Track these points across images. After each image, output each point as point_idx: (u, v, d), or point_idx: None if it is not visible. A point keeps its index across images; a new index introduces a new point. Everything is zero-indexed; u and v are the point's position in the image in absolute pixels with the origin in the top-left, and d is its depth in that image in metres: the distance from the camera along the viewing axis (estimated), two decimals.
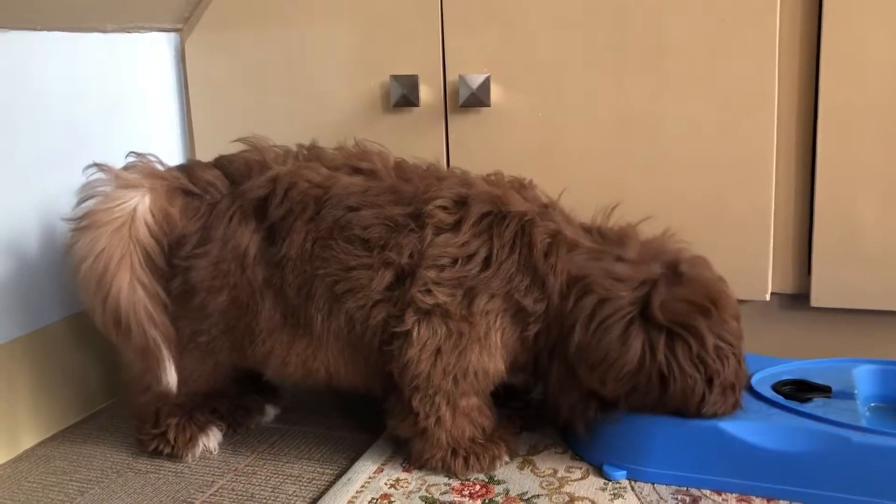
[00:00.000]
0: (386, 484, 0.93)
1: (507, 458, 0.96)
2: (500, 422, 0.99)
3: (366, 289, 0.92)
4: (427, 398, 0.92)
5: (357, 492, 0.92)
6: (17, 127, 1.07)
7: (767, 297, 1.10)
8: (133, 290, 0.90)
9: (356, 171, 0.98)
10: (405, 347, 0.91)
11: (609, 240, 0.96)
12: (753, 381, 0.97)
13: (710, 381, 0.88)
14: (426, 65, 1.17)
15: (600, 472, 0.93)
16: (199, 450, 1.02)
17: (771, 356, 1.04)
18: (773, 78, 1.04)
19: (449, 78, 1.16)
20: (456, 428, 0.94)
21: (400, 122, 1.20)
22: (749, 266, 1.09)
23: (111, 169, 0.95)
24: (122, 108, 1.24)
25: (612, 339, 0.88)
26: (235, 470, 1.00)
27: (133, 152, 1.00)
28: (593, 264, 0.92)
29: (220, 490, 0.95)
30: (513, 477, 0.94)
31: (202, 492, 0.95)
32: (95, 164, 0.96)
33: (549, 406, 0.98)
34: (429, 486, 0.93)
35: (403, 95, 1.17)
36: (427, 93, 1.18)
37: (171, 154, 1.32)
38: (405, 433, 0.96)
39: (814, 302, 1.09)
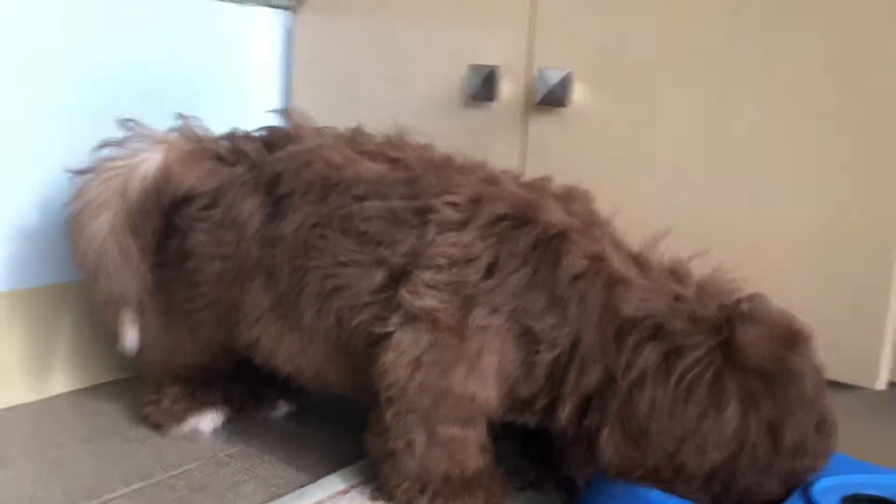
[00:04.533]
0: None
1: None
2: (491, 466, 0.83)
3: (354, 288, 0.81)
4: (400, 415, 0.79)
5: None
6: (102, 77, 1.09)
7: (881, 386, 0.83)
8: (109, 241, 0.86)
9: (386, 159, 0.88)
10: (383, 352, 0.78)
11: (657, 274, 0.78)
12: (818, 487, 0.72)
13: (819, 426, 0.72)
14: (510, 55, 1.04)
15: None
16: (186, 427, 0.97)
17: (866, 462, 0.78)
18: None
19: (532, 72, 1.02)
20: (429, 458, 0.79)
21: (476, 118, 1.07)
22: (857, 341, 0.83)
23: (136, 125, 0.93)
24: (224, 78, 1.24)
25: (702, 396, 0.70)
26: (212, 457, 0.93)
27: (180, 114, 0.97)
28: (654, 303, 0.75)
29: (183, 474, 0.88)
30: None
31: (164, 471, 0.88)
32: (122, 120, 0.93)
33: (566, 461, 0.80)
34: None
35: (480, 88, 1.05)
36: (509, 87, 1.04)
37: None
38: (375, 453, 0.83)
39: None
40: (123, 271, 0.87)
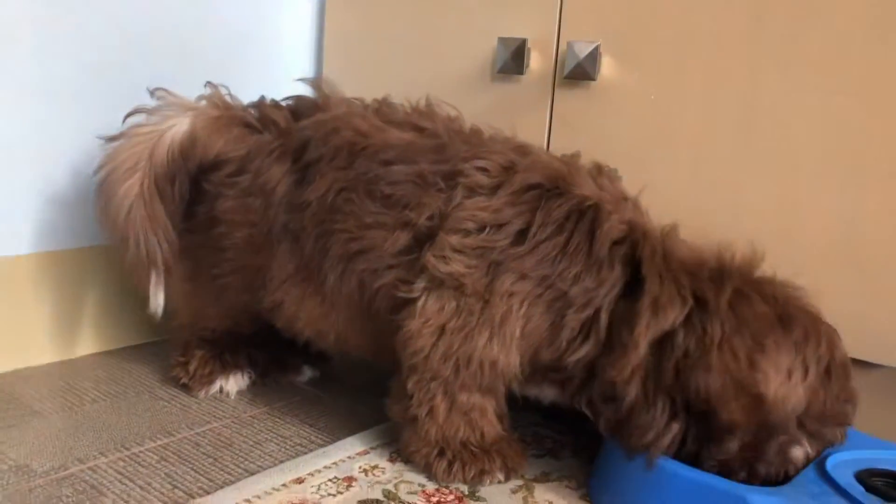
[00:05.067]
0: (359, 468, 0.83)
1: (500, 476, 0.81)
2: (509, 433, 0.84)
3: (378, 250, 0.82)
4: (423, 382, 0.80)
5: (325, 466, 0.83)
6: (134, 46, 1.11)
7: None
8: (137, 205, 0.88)
9: (414, 127, 0.89)
10: (408, 319, 0.80)
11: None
12: (832, 461, 0.73)
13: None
14: (540, 28, 1.04)
15: None
16: (214, 388, 0.99)
17: (886, 441, 0.79)
18: None
19: (561, 46, 1.02)
20: (449, 425, 0.81)
21: (505, 91, 1.08)
22: (881, 318, 0.83)
23: (167, 93, 0.94)
24: (256, 49, 1.25)
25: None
26: (237, 417, 0.95)
27: (209, 83, 0.99)
28: (703, 252, 0.77)
29: (207, 431, 0.91)
30: (498, 499, 0.79)
31: (190, 428, 0.91)
32: (153, 89, 0.95)
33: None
34: (400, 481, 0.81)
35: (509, 61, 1.05)
36: (537, 60, 1.04)
37: None
38: (397, 418, 0.85)
39: None
40: (151, 234, 0.89)
